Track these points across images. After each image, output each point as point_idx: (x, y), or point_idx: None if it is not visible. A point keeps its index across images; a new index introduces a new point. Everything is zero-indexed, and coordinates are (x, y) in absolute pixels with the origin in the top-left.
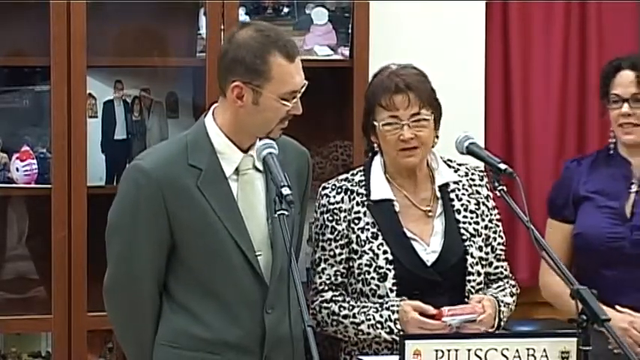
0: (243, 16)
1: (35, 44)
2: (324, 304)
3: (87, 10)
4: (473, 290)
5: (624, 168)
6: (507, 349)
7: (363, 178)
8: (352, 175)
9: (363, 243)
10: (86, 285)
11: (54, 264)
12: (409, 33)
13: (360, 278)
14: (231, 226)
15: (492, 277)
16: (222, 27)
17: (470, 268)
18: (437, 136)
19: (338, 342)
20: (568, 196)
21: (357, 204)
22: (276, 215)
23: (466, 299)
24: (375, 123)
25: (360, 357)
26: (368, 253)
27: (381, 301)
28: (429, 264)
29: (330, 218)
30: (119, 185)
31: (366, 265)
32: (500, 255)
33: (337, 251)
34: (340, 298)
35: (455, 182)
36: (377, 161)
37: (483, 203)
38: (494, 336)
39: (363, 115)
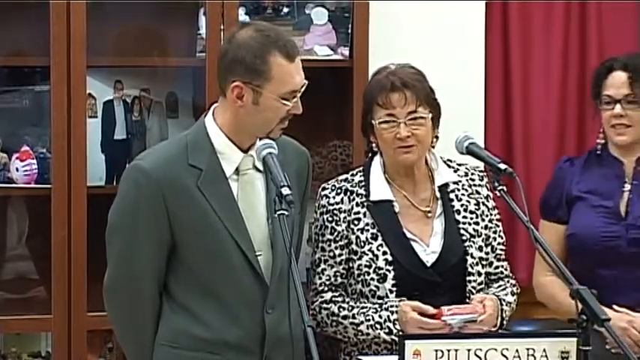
0: (242, 16)
1: (35, 44)
2: (324, 305)
3: (87, 10)
4: (473, 291)
5: (617, 168)
6: (507, 349)
7: (362, 178)
8: (352, 175)
9: (362, 244)
10: (86, 285)
11: (54, 264)
12: (409, 33)
13: (359, 279)
14: (231, 226)
15: (493, 277)
16: (222, 27)
17: (470, 269)
18: (436, 136)
19: (338, 342)
20: (561, 196)
21: (357, 205)
22: (276, 215)
23: (467, 300)
24: (373, 122)
25: (360, 357)
26: (367, 254)
27: (380, 301)
28: (428, 265)
29: (330, 219)
30: (119, 185)
31: (365, 265)
32: (501, 255)
33: (337, 252)
34: (340, 299)
35: (454, 182)
36: (376, 162)
37: (483, 203)
38: (494, 336)
39: (362, 114)
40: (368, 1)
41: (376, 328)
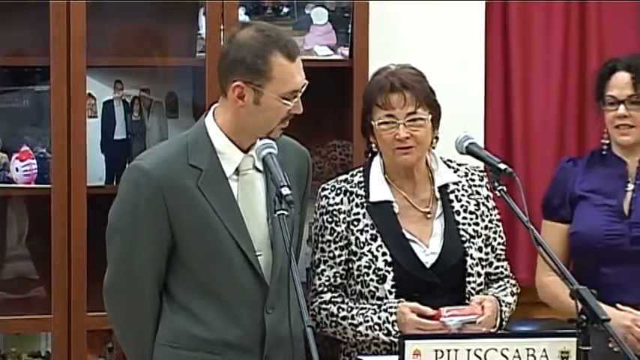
0: (242, 16)
1: (35, 44)
2: (323, 306)
3: (87, 10)
4: (473, 292)
5: (620, 167)
6: (507, 349)
7: (362, 179)
8: (351, 176)
9: (362, 245)
10: (86, 285)
11: (54, 264)
12: (409, 33)
13: (359, 280)
14: (231, 226)
15: (493, 277)
16: (222, 27)
17: (470, 270)
18: (436, 137)
19: (338, 342)
20: (564, 196)
21: (357, 205)
22: (276, 215)
23: (466, 301)
24: (373, 122)
25: (360, 357)
26: (367, 255)
27: (379, 302)
28: (428, 266)
29: (330, 220)
30: (119, 185)
31: (365, 266)
32: (501, 255)
33: (336, 253)
34: (339, 300)
35: (454, 183)
36: (376, 162)
37: (483, 204)
38: (494, 336)
39: (362, 115)
40: (368, 1)
41: (375, 329)
